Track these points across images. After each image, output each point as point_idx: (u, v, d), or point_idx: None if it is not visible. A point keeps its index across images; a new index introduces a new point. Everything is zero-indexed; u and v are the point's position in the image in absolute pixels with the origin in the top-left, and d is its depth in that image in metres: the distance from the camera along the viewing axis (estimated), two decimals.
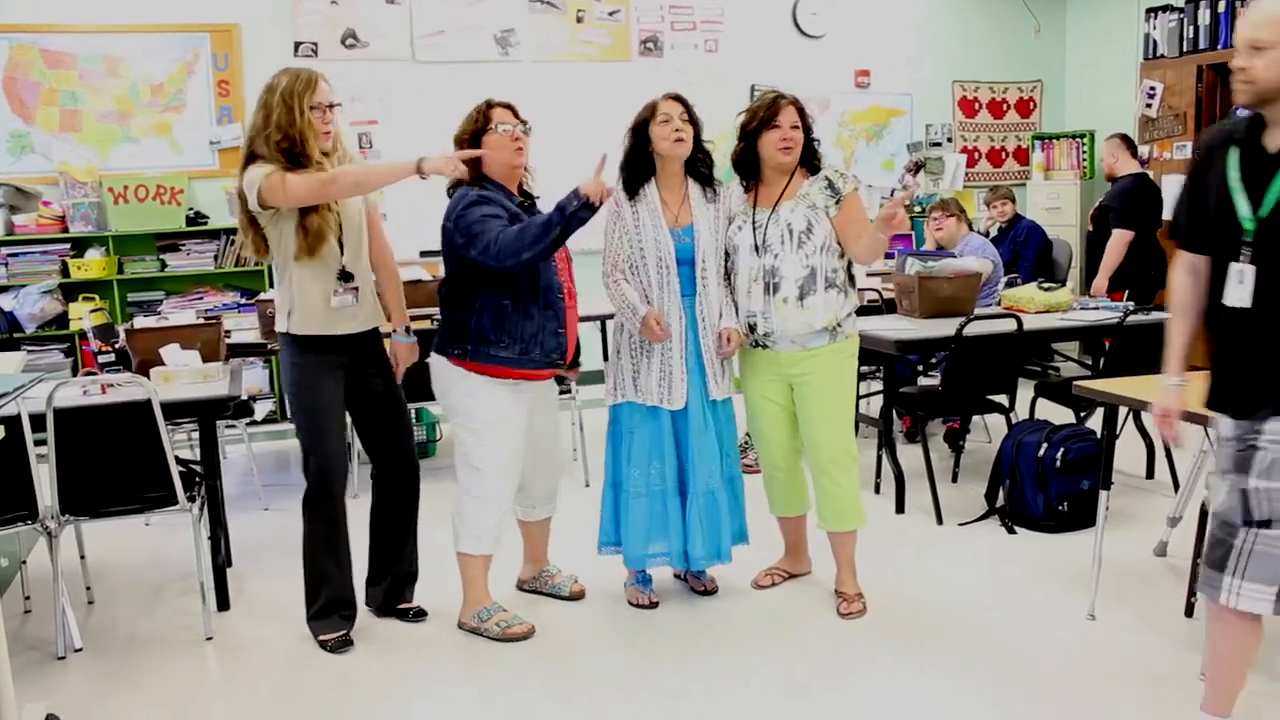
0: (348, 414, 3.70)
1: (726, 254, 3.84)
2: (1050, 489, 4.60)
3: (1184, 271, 2.77)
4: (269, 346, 5.20)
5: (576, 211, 3.32)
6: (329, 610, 3.67)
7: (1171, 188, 7.71)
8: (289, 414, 3.66)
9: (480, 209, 3.47)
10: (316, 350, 3.54)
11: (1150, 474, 5.37)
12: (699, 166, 3.80)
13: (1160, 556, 4.30)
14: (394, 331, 3.82)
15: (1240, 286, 2.53)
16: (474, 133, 3.61)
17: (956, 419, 5.86)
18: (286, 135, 3.43)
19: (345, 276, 3.54)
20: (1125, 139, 6.97)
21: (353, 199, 3.58)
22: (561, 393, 4.57)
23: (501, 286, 3.51)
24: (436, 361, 3.65)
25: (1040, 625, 3.71)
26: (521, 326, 3.54)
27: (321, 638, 3.64)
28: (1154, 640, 3.57)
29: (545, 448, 3.87)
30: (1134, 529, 4.61)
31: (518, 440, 3.67)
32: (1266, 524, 2.53)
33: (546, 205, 3.71)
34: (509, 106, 3.63)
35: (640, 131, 3.74)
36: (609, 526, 3.93)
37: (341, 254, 3.54)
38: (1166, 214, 7.02)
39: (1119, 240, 6.65)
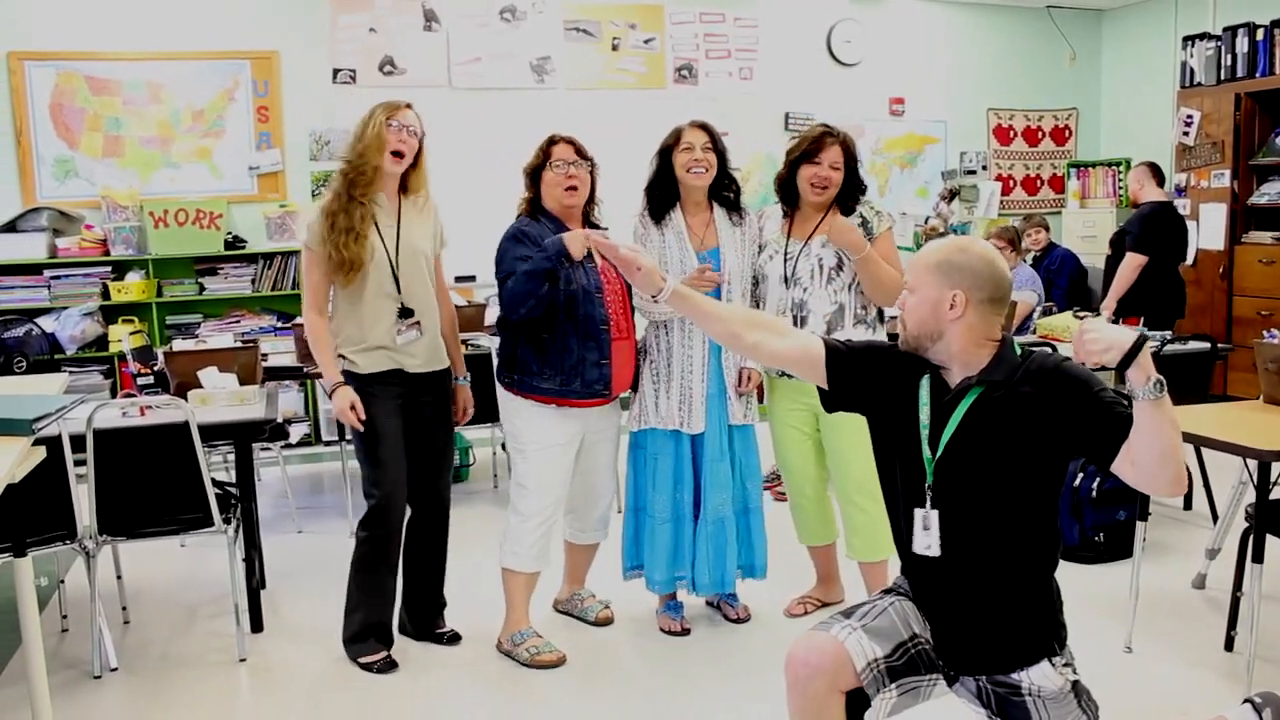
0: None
1: (755, 282, 3.85)
2: (1086, 519, 4.56)
3: None
4: (305, 370, 5.25)
5: (553, 257, 3.40)
6: (365, 635, 3.69)
7: (1209, 216, 7.67)
8: (352, 442, 3.69)
9: (516, 249, 3.55)
10: (380, 383, 3.57)
11: (1188, 505, 5.31)
12: (723, 192, 3.82)
13: (1199, 589, 4.25)
14: (456, 378, 3.85)
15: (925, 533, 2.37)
16: (535, 168, 3.69)
17: None
18: (349, 160, 3.51)
19: (405, 313, 3.58)
20: (1153, 168, 6.93)
21: (420, 236, 3.62)
22: None
23: (540, 320, 3.54)
24: (499, 388, 3.73)
25: (1076, 657, 3.66)
26: (561, 358, 3.57)
27: (363, 660, 3.66)
28: (1192, 673, 3.53)
29: (599, 476, 3.89)
30: (1171, 560, 4.56)
31: (562, 464, 3.70)
32: None
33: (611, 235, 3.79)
34: (572, 142, 3.69)
35: (666, 156, 3.78)
36: (630, 551, 3.94)
37: (399, 291, 3.57)
38: (1193, 244, 7.00)
39: (1130, 263, 6.56)
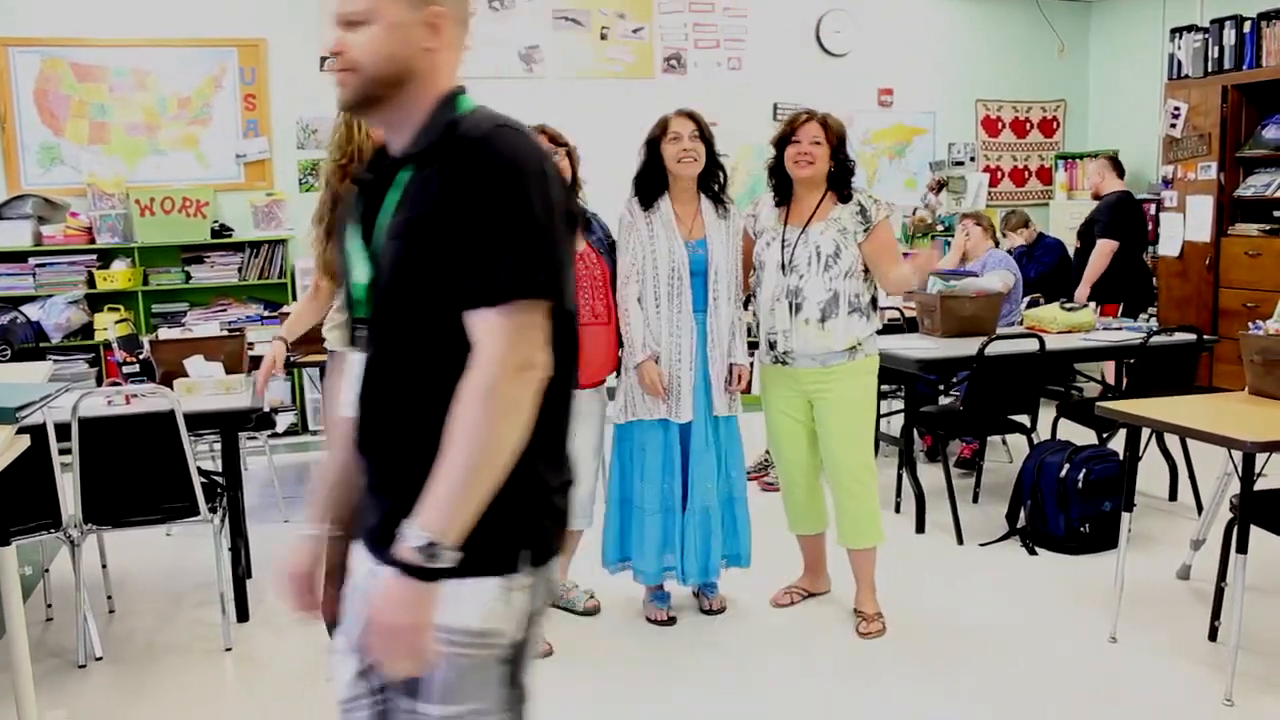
0: None
1: (747, 271, 3.86)
2: (1072, 510, 4.57)
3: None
4: (292, 359, 5.22)
5: None
6: None
7: (1196, 208, 7.68)
8: None
9: None
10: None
11: (1173, 496, 5.33)
12: (710, 183, 3.82)
13: (1183, 579, 4.27)
14: None
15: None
16: None
17: (972, 444, 5.84)
18: (345, 152, 3.44)
19: None
20: (1114, 161, 7.30)
21: None
22: None
23: None
24: None
25: (1061, 647, 3.69)
26: None
27: None
28: (1176, 664, 3.54)
29: (581, 460, 3.85)
30: (1156, 551, 4.58)
31: None
32: None
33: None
34: (545, 131, 3.70)
35: (654, 146, 3.77)
36: (615, 544, 3.93)
37: None
38: (1180, 236, 7.10)
39: (1103, 249, 6.86)
